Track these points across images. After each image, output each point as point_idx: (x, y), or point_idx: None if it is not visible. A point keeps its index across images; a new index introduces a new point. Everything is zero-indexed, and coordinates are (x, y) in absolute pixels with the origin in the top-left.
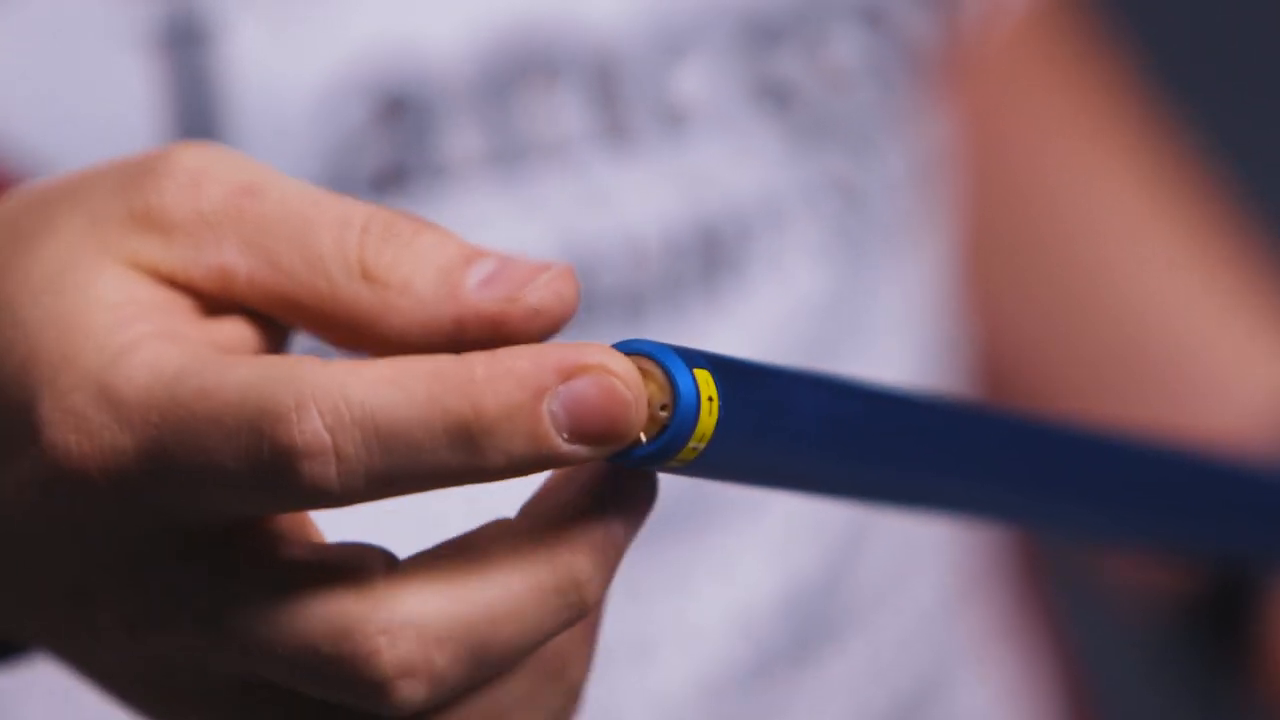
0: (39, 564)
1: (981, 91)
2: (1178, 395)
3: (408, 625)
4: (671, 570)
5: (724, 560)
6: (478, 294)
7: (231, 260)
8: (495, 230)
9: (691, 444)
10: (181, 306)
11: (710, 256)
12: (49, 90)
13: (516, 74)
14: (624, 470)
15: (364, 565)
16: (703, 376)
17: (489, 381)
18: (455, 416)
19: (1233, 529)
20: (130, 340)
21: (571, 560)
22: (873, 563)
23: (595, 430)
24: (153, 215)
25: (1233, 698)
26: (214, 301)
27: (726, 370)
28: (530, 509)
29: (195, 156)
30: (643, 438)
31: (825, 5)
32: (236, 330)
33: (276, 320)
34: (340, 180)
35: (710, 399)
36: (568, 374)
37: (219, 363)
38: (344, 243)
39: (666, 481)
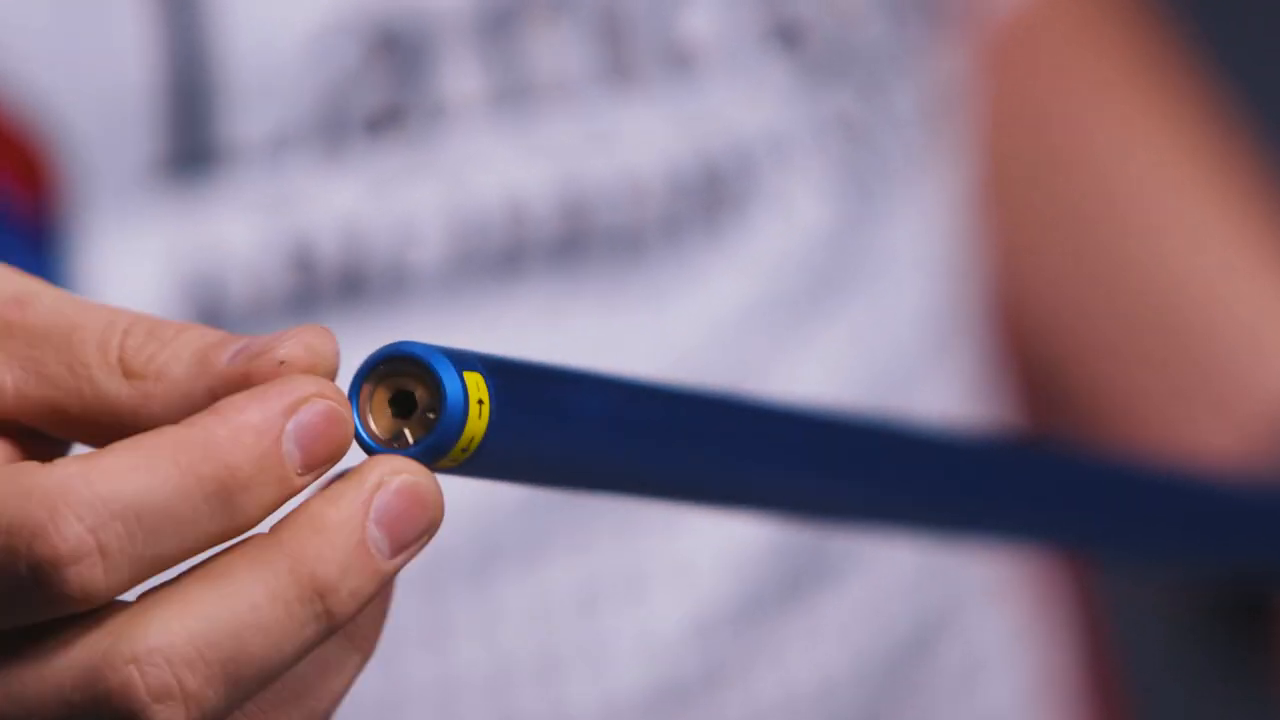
0: None
1: (1018, 52)
2: (1214, 363)
3: (154, 651)
4: (662, 507)
5: None
6: (229, 364)
7: None
8: (494, 170)
9: (460, 446)
10: None
11: (712, 195)
12: (45, 29)
13: (518, 11)
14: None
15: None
16: (473, 379)
17: (231, 439)
18: (212, 482)
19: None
20: None
21: (314, 567)
22: None
23: (324, 456)
24: None
25: (1263, 672)
26: None
27: (503, 372)
28: (280, 519)
29: None
30: (410, 439)
31: None
32: None
33: (44, 432)
34: (335, 121)
35: (480, 402)
36: (292, 410)
37: None
38: (106, 345)
39: None
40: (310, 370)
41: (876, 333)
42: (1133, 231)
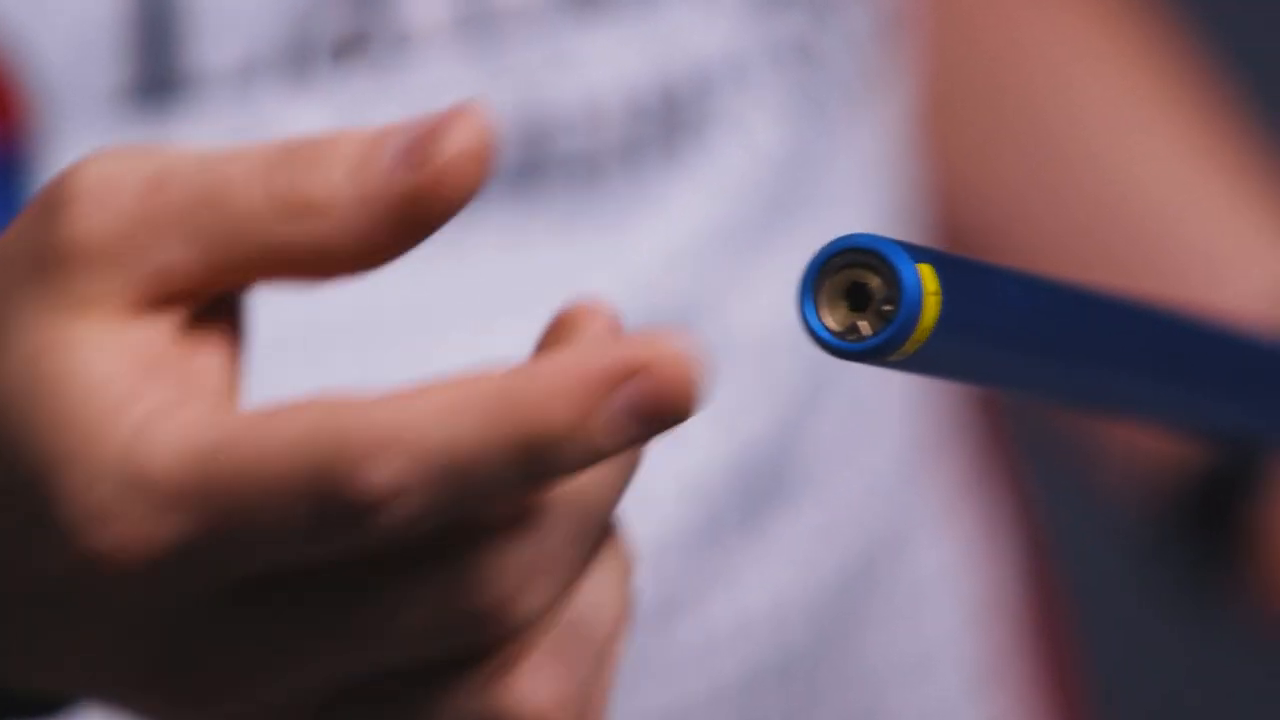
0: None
1: None
2: (1170, 273)
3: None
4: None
5: None
6: (390, 182)
7: (165, 259)
8: (458, 95)
9: (914, 338)
10: (156, 339)
11: (670, 118)
12: None
13: None
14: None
15: None
16: (926, 271)
17: (549, 399)
18: (521, 438)
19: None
20: (137, 421)
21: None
22: (825, 426)
23: (655, 420)
24: (75, 250)
25: (1218, 591)
26: (168, 298)
27: (946, 265)
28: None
29: (93, 171)
30: (868, 331)
31: None
32: (209, 357)
33: (233, 290)
34: (301, 48)
35: (933, 294)
36: (620, 379)
37: (252, 430)
38: (254, 190)
39: None
40: (478, 156)
41: None
42: (1080, 136)
